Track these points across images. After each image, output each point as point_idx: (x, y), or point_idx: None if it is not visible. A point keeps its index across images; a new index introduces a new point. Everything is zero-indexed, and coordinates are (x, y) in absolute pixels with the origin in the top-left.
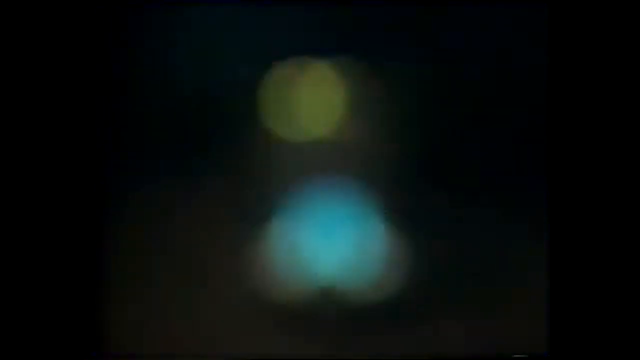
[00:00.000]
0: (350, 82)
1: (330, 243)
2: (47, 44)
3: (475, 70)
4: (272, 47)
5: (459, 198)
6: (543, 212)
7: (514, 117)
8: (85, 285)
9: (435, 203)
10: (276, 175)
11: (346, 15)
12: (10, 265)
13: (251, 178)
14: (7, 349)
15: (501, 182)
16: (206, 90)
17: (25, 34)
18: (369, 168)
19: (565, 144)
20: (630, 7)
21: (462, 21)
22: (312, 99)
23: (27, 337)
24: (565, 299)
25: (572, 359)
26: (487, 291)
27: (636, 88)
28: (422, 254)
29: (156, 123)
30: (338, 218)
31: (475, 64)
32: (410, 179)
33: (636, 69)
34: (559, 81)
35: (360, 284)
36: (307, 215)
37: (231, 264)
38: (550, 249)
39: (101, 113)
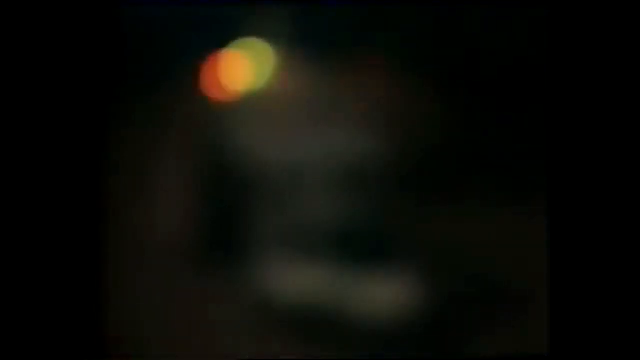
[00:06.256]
0: (350, 82)
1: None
2: (42, 41)
3: (475, 71)
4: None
5: (457, 198)
6: (543, 212)
7: (514, 117)
8: (86, 285)
9: (433, 203)
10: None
11: (346, 15)
12: (8, 263)
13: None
14: (6, 349)
15: (501, 181)
16: None
17: (23, 33)
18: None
19: (565, 143)
20: (629, 8)
21: (462, 21)
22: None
23: (27, 336)
24: (565, 300)
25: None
26: (487, 292)
27: (636, 86)
28: (420, 252)
29: None
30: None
31: (474, 64)
32: (409, 178)
33: (636, 68)
34: (558, 80)
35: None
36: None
37: (231, 264)
38: (551, 250)
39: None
